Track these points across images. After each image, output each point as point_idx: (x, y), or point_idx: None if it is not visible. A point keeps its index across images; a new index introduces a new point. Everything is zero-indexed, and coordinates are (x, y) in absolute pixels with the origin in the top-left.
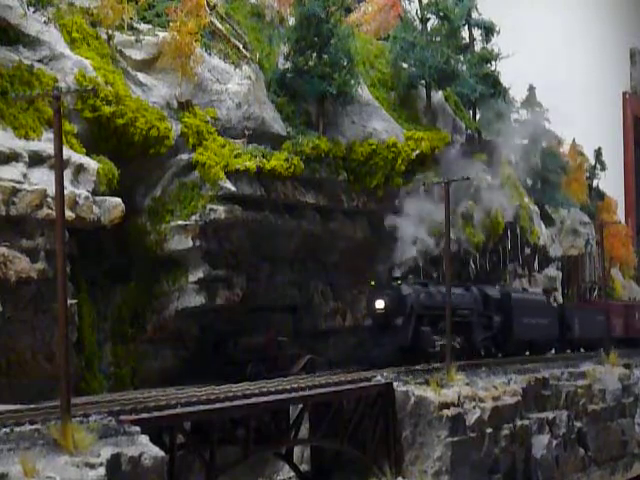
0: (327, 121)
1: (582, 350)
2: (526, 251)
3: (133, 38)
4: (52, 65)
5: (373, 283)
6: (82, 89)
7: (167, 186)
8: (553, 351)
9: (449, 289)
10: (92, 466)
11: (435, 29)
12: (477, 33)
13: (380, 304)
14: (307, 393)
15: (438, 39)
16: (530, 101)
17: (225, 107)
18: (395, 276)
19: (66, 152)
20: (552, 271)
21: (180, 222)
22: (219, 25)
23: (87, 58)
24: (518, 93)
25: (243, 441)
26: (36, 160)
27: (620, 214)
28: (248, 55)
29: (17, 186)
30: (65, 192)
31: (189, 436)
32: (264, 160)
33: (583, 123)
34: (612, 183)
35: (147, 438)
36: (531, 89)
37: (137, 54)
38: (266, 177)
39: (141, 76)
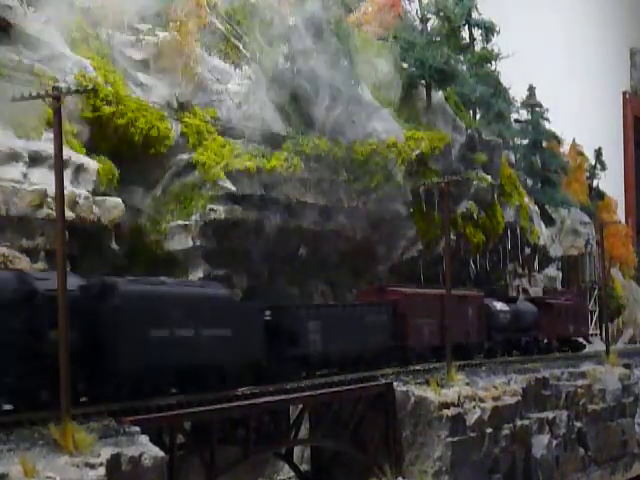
0: (327, 121)
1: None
2: (526, 251)
3: (133, 38)
4: (52, 65)
5: None
6: (82, 89)
7: (167, 186)
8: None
9: (449, 291)
10: (92, 466)
11: (435, 29)
12: (477, 33)
13: None
14: (307, 393)
15: (438, 39)
16: (530, 101)
17: (225, 107)
18: None
19: (66, 152)
20: (552, 271)
21: (180, 222)
22: (219, 25)
23: (87, 58)
24: (518, 93)
25: (243, 441)
26: (36, 160)
27: (620, 214)
28: (248, 55)
29: (17, 186)
30: (65, 192)
31: (189, 436)
32: (264, 160)
33: (583, 123)
34: (612, 183)
35: (147, 438)
36: (531, 89)
37: (137, 54)
38: (266, 177)
39: (141, 76)
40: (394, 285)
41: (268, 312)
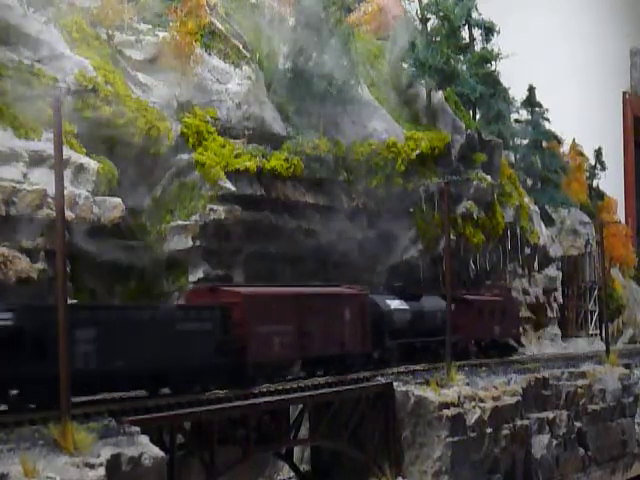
0: (327, 121)
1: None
2: (526, 251)
3: (133, 38)
4: (52, 65)
5: None
6: (82, 89)
7: (167, 186)
8: None
9: (448, 290)
10: (92, 466)
11: (435, 29)
12: (477, 33)
13: None
14: (307, 393)
15: (438, 39)
16: (530, 101)
17: (225, 107)
18: None
19: (66, 152)
20: (552, 271)
21: (180, 222)
22: (219, 25)
23: (87, 58)
24: (518, 93)
25: (243, 441)
26: (36, 160)
27: (620, 214)
28: (248, 55)
29: (17, 186)
30: (65, 192)
31: (189, 436)
32: (264, 160)
33: (583, 123)
34: (612, 183)
35: (147, 438)
36: (531, 89)
37: (137, 54)
38: (266, 177)
39: (141, 76)
40: (231, 285)
41: (8, 314)
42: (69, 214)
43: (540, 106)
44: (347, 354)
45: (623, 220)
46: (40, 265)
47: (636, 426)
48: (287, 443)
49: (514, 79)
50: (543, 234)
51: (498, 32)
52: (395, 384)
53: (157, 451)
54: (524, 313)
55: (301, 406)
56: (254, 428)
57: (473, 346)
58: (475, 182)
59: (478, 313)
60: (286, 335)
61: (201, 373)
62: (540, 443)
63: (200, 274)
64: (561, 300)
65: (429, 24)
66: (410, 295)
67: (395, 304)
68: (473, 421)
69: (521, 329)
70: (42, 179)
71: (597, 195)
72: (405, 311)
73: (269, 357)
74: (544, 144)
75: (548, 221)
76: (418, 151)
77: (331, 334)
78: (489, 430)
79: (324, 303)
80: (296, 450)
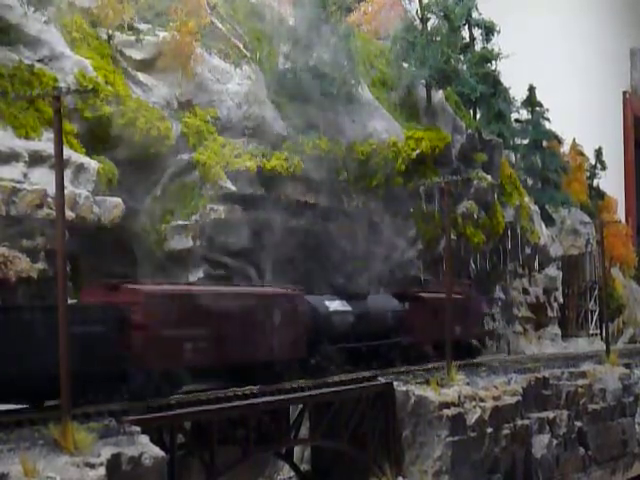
0: (327, 121)
1: None
2: (526, 251)
3: (133, 38)
4: (52, 65)
5: None
6: (82, 89)
7: (167, 186)
8: None
9: (448, 290)
10: (92, 466)
11: (435, 29)
12: (477, 33)
13: None
14: (307, 393)
15: (438, 39)
16: (530, 101)
17: (225, 107)
18: None
19: (66, 152)
20: (552, 271)
21: (180, 222)
22: (219, 25)
23: (87, 58)
24: (518, 93)
25: (243, 441)
26: (36, 160)
27: (620, 213)
28: (248, 55)
29: (17, 186)
30: (65, 192)
31: (189, 436)
32: (264, 160)
33: (583, 123)
34: (612, 183)
35: (147, 438)
36: (531, 89)
37: (137, 54)
38: (266, 177)
39: (141, 76)
40: (135, 282)
41: None
42: (69, 214)
43: (540, 106)
44: (277, 361)
45: (623, 220)
46: (40, 265)
47: (636, 426)
48: (287, 443)
49: (514, 79)
50: (543, 234)
51: (498, 32)
52: (395, 384)
53: (157, 451)
54: (524, 313)
55: (301, 406)
56: (254, 428)
57: (430, 349)
58: (475, 182)
59: (435, 312)
60: (199, 340)
61: (90, 383)
62: (540, 443)
63: (200, 273)
64: (561, 300)
65: (429, 24)
66: (354, 295)
67: (335, 305)
68: (473, 421)
69: (487, 328)
70: (42, 179)
71: (597, 195)
72: (347, 313)
73: (177, 365)
74: (544, 144)
75: (548, 221)
76: (418, 151)
77: (256, 339)
78: (489, 430)
79: (247, 304)
80: (296, 450)
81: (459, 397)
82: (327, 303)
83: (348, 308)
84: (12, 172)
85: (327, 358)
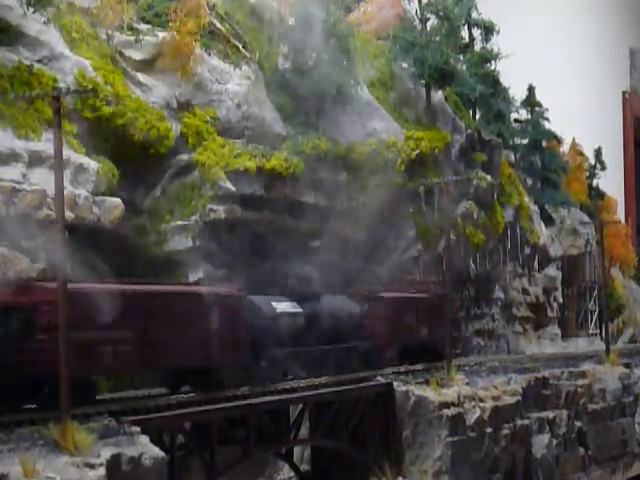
0: (327, 121)
1: None
2: (526, 251)
3: (133, 38)
4: (52, 65)
5: None
6: (82, 89)
7: (167, 186)
8: None
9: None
10: (92, 466)
11: (435, 29)
12: (477, 33)
13: None
14: (307, 393)
15: (438, 39)
16: (530, 101)
17: (225, 107)
18: None
19: (66, 152)
20: (552, 271)
21: (180, 222)
22: (219, 25)
23: (87, 58)
24: (518, 93)
25: (243, 441)
26: (36, 160)
27: (620, 213)
28: (248, 55)
29: (17, 186)
30: (65, 192)
31: (189, 436)
32: (264, 160)
33: (583, 123)
34: (612, 183)
35: (147, 438)
36: (531, 89)
37: (137, 54)
38: (266, 177)
39: (141, 76)
40: (45, 280)
41: None
42: (69, 214)
43: (540, 106)
44: (214, 367)
45: (623, 220)
46: (40, 265)
47: (636, 425)
48: (287, 443)
49: (514, 79)
50: (543, 234)
51: (498, 32)
52: (395, 384)
53: (157, 451)
54: (524, 313)
55: (301, 406)
56: (254, 428)
57: (393, 353)
58: (475, 182)
59: (398, 313)
60: (120, 344)
61: None
62: (540, 443)
63: (200, 274)
64: (561, 300)
65: (429, 24)
66: (306, 296)
67: (283, 307)
68: (473, 421)
69: (459, 332)
70: (42, 179)
71: (597, 195)
72: (297, 315)
73: (91, 371)
74: (544, 144)
75: (548, 221)
76: (418, 151)
77: (189, 343)
78: (489, 430)
79: (178, 305)
80: (296, 450)
81: (459, 397)
82: (274, 304)
83: (298, 310)
84: (12, 172)
85: (275, 364)
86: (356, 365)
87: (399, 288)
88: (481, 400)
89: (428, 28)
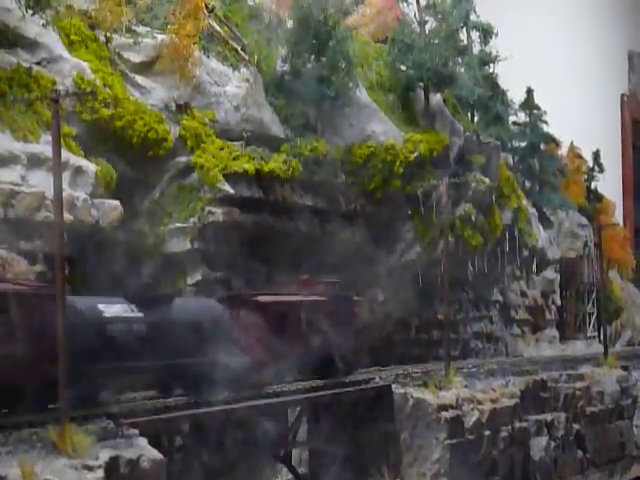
0: (325, 123)
1: None
2: (524, 253)
3: (131, 41)
4: (50, 68)
5: None
6: (80, 91)
7: (165, 188)
8: None
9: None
10: (90, 468)
11: (433, 31)
12: (475, 35)
13: None
14: (306, 395)
15: (436, 41)
16: (528, 103)
17: (223, 109)
18: None
19: (64, 154)
20: (550, 273)
21: (178, 224)
22: (217, 28)
23: (85, 61)
24: (516, 95)
25: (242, 443)
26: (34, 162)
27: (618, 216)
28: (246, 57)
29: (15, 188)
30: (63, 194)
31: (188, 438)
32: (262, 162)
33: (581, 125)
34: (610, 185)
35: (145, 440)
36: (529, 91)
37: (135, 57)
38: (264, 179)
39: (139, 79)
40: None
41: None
42: (67, 217)
43: (538, 108)
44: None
45: (621, 222)
46: (39, 267)
47: (634, 428)
48: (285, 445)
49: (512, 81)
50: (541, 236)
51: (496, 34)
52: (393, 386)
53: (155, 453)
54: (522, 315)
55: (299, 408)
56: (253, 430)
57: (276, 369)
58: (473, 184)
59: (280, 321)
60: None
61: None
62: (538, 445)
63: (198, 276)
64: (559, 302)
65: (427, 26)
66: (153, 298)
67: (115, 310)
68: (471, 423)
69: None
70: (40, 182)
71: (595, 197)
72: (134, 321)
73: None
74: (542, 146)
75: (546, 223)
76: (416, 153)
77: None
78: (487, 432)
79: None
80: (294, 452)
81: (457, 400)
82: (102, 307)
83: (137, 315)
84: (10, 175)
85: (95, 382)
86: (213, 385)
87: (290, 290)
88: (479, 403)
89: (427, 31)
